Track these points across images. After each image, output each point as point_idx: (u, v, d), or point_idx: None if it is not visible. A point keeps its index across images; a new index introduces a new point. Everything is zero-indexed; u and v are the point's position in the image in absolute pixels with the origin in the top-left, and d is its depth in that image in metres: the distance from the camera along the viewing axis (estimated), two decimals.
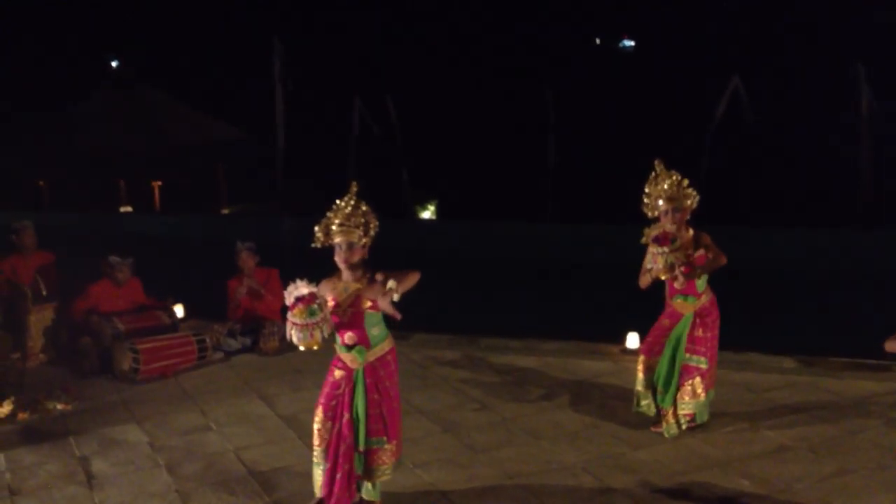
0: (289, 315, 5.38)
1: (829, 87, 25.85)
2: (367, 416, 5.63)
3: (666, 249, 6.76)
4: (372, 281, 5.56)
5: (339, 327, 5.60)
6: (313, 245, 5.62)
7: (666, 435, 6.99)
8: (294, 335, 5.36)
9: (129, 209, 26.07)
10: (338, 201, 5.64)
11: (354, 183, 5.70)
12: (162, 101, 29.61)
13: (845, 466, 6.29)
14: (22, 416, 7.71)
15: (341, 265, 5.59)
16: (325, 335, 5.41)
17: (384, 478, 5.78)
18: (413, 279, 5.62)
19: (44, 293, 9.72)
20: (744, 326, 9.44)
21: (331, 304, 5.55)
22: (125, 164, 26.65)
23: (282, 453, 6.86)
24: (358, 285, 5.58)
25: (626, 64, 48.95)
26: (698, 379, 7.01)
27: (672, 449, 6.72)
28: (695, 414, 7.08)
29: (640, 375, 7.19)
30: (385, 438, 5.70)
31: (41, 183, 27.77)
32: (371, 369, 5.64)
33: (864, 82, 20.72)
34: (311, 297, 5.33)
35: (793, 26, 38.72)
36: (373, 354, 5.65)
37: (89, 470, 6.67)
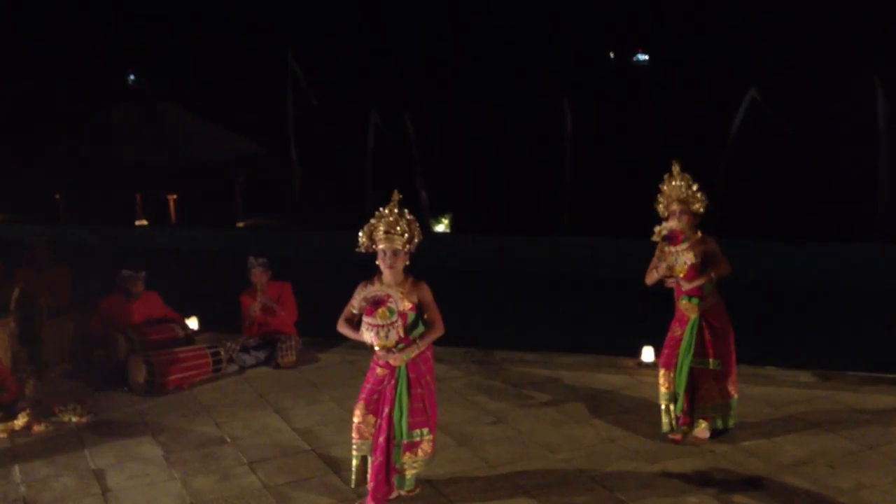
0: (368, 319, 5.73)
1: (846, 98, 25.78)
2: (411, 409, 5.96)
3: (678, 248, 6.83)
4: (413, 285, 5.93)
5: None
6: (357, 250, 5.92)
7: (694, 436, 7.09)
8: (372, 337, 5.73)
9: (145, 222, 26.17)
10: (381, 209, 5.92)
11: (396, 192, 5.96)
12: (178, 115, 29.73)
13: (863, 481, 6.24)
14: (37, 428, 7.72)
15: (385, 270, 5.89)
16: (401, 333, 5.77)
17: (420, 469, 6.15)
18: (434, 335, 5.99)
19: (59, 307, 9.75)
20: (762, 340, 9.40)
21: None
22: (141, 177, 26.75)
23: (297, 467, 6.84)
24: (400, 290, 5.85)
25: (641, 77, 48.97)
26: (712, 382, 7.09)
27: (689, 464, 6.67)
28: (714, 418, 7.15)
29: (663, 389, 7.21)
30: (427, 430, 6.06)
31: (57, 196, 27.89)
32: (413, 365, 5.97)
33: (881, 94, 20.65)
34: (388, 298, 5.72)
35: (810, 37, 38.65)
36: (414, 351, 5.94)
37: (104, 483, 6.67)
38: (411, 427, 5.99)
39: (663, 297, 7.40)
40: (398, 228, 5.85)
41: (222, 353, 9.26)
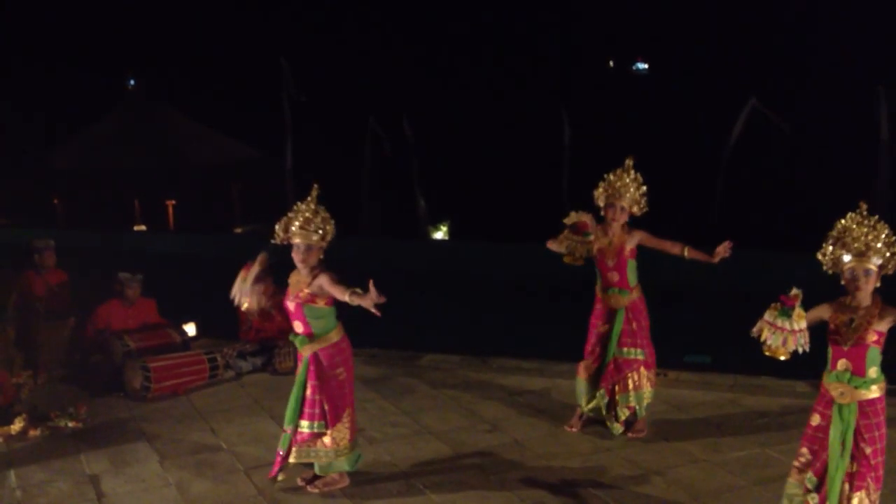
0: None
1: (848, 108, 25.79)
2: (304, 400, 6.18)
3: (579, 238, 7.15)
4: (314, 277, 6.03)
5: (291, 317, 6.22)
6: (272, 241, 6.11)
7: (613, 433, 7.35)
8: (246, 300, 6.20)
9: (143, 228, 26.17)
10: (299, 203, 6.11)
11: (316, 186, 6.15)
12: (177, 121, 29.76)
13: None
14: (33, 433, 7.71)
15: (298, 264, 6.09)
16: (260, 303, 6.21)
17: (310, 460, 6.32)
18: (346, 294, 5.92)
19: (57, 311, 9.73)
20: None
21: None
22: (140, 182, 26.77)
23: (292, 473, 6.81)
24: (306, 279, 6.06)
25: (640, 86, 49.01)
26: (642, 369, 7.34)
27: (684, 473, 6.67)
28: (636, 407, 7.38)
29: (584, 381, 7.48)
30: (323, 423, 6.20)
31: (56, 201, 27.89)
32: (314, 358, 6.14)
33: (884, 104, 20.66)
34: (248, 266, 6.20)
35: (812, 47, 38.67)
36: (317, 345, 6.13)
37: (99, 488, 6.66)
38: (301, 416, 6.22)
39: (660, 305, 7.41)
40: (313, 225, 6.01)
41: (219, 358, 9.25)
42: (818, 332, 5.22)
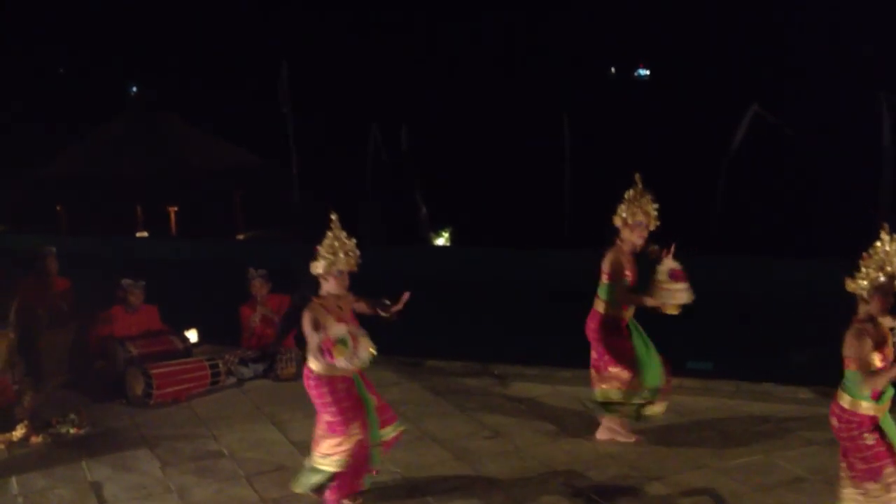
0: (337, 355, 5.78)
1: (851, 115, 25.79)
2: (377, 408, 6.20)
3: (679, 287, 6.98)
4: (357, 296, 6.19)
5: None
6: (317, 272, 6.02)
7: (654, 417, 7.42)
8: (345, 363, 5.80)
9: (146, 234, 26.16)
10: (331, 233, 6.05)
11: (334, 212, 6.11)
12: (179, 127, 29.76)
13: None
14: (35, 439, 7.71)
15: (339, 290, 6.04)
16: (371, 350, 5.85)
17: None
18: None
19: (59, 318, 9.73)
20: (762, 356, 9.37)
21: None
22: (142, 188, 26.76)
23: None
24: (349, 299, 6.15)
25: (642, 92, 49.02)
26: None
27: (687, 478, 6.66)
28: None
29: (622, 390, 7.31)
30: (399, 422, 6.36)
31: (58, 207, 27.89)
32: (361, 371, 6.15)
33: (886, 109, 20.64)
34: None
35: (813, 52, 38.68)
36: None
37: (101, 494, 6.66)
38: (384, 424, 6.21)
39: (663, 313, 7.39)
40: (353, 252, 6.04)
41: (221, 365, 9.25)
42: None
